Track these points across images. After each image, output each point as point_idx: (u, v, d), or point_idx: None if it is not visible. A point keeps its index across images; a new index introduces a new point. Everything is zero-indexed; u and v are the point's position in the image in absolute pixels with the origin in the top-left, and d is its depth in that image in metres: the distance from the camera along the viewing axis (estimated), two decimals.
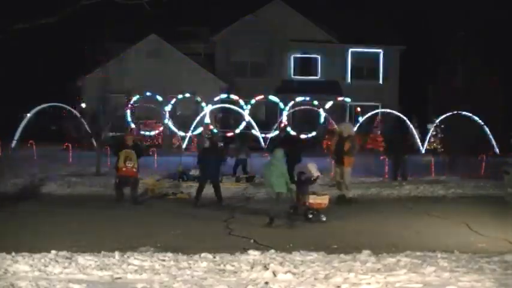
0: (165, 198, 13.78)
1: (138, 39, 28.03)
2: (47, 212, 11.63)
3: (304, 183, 11.17)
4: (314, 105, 27.30)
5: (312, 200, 10.92)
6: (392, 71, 32.31)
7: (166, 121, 26.24)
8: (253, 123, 26.82)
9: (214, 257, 7.50)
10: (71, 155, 20.65)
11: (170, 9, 25.97)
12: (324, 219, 10.80)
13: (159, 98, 26.57)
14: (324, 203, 10.95)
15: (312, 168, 11.27)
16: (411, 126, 26.44)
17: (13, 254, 7.30)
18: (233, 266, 6.97)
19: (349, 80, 31.90)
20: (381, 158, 18.26)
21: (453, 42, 20.92)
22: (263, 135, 26.55)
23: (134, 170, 12.78)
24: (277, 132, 26.92)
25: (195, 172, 16.29)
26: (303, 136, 25.58)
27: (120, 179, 12.81)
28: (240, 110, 27.31)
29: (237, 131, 25.93)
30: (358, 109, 28.59)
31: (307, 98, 27.78)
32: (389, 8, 34.52)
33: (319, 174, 11.48)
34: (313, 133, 27.05)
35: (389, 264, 7.02)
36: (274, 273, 6.51)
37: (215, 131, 22.54)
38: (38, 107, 24.93)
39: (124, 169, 12.71)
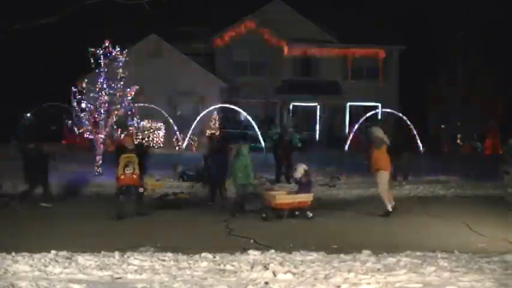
0: (165, 198, 13.76)
1: (138, 39, 28.02)
2: (47, 212, 11.63)
3: (303, 185, 11.38)
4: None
5: (267, 196, 11.25)
6: (392, 71, 32.30)
7: (166, 121, 26.21)
8: (253, 123, 26.81)
9: (214, 257, 7.50)
10: (71, 155, 20.65)
11: (170, 9, 25.98)
12: (263, 216, 10.97)
13: (159, 98, 26.57)
14: (273, 202, 10.99)
15: (300, 169, 11.65)
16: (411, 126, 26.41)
17: (13, 254, 7.31)
18: (233, 266, 6.97)
19: (349, 80, 31.89)
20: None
21: (453, 42, 20.92)
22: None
23: (134, 176, 10.94)
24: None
25: (195, 172, 16.33)
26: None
27: (120, 190, 10.98)
28: (240, 110, 27.29)
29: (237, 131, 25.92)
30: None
31: (307, 98, 27.79)
32: (389, 8, 34.53)
33: (299, 175, 11.63)
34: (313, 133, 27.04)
35: (389, 264, 7.02)
36: (274, 273, 6.51)
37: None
38: (38, 107, 24.97)
39: (122, 177, 10.87)
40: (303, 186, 11.41)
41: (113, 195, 12.82)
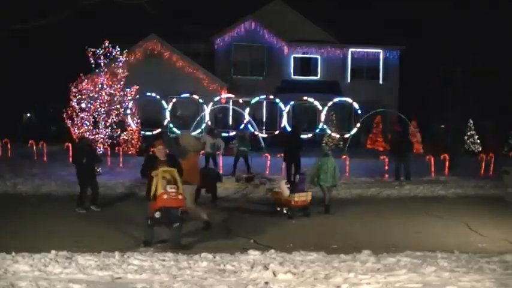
0: None
1: (138, 39, 28.03)
2: (47, 212, 11.62)
3: (294, 185, 11.75)
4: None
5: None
6: (392, 71, 32.31)
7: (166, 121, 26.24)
8: (253, 123, 26.83)
9: (214, 257, 7.50)
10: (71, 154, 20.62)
11: (170, 9, 26.00)
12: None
13: (159, 98, 26.62)
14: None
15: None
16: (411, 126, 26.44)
17: (13, 254, 7.30)
18: (233, 266, 6.97)
19: (349, 80, 31.89)
20: (381, 158, 18.26)
21: (453, 42, 20.91)
22: (263, 135, 26.56)
23: (180, 197, 8.62)
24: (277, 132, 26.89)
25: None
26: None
27: (160, 211, 8.50)
28: (240, 110, 27.31)
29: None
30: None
31: (307, 98, 27.79)
32: (389, 8, 34.51)
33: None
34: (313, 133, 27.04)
35: (389, 264, 7.02)
36: (274, 273, 6.51)
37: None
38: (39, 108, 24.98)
39: (165, 196, 8.45)
40: (294, 185, 11.69)
41: (109, 197, 12.80)
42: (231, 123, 28.89)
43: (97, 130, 17.05)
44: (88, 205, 11.94)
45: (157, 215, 8.52)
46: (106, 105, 17.17)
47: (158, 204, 8.53)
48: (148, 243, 8.69)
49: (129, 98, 18.23)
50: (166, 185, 8.53)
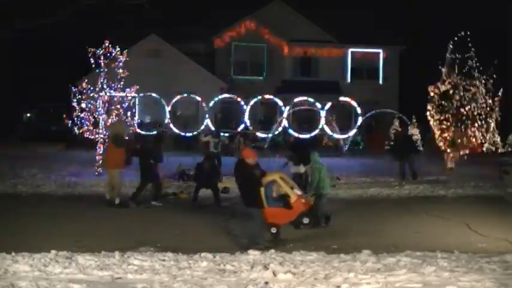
0: (165, 198, 13.76)
1: (138, 39, 28.03)
2: (47, 212, 11.62)
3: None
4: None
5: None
6: (392, 71, 32.31)
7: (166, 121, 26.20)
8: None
9: (214, 257, 7.51)
10: (71, 154, 20.63)
11: (170, 9, 25.98)
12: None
13: (159, 98, 26.59)
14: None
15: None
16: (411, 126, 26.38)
17: (13, 254, 7.30)
18: (233, 266, 6.98)
19: (349, 80, 31.89)
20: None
21: (453, 42, 20.85)
22: (263, 135, 26.53)
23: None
24: (276, 132, 26.83)
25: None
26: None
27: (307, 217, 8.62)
28: (240, 110, 27.27)
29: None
30: None
31: (307, 98, 27.74)
32: (389, 8, 34.54)
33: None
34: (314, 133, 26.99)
35: (389, 264, 7.02)
36: (274, 273, 6.51)
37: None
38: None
39: (304, 201, 8.64)
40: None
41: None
42: (230, 123, 28.85)
43: (96, 130, 17.03)
44: (135, 203, 12.35)
45: (305, 221, 9.06)
46: (106, 105, 17.16)
47: (303, 208, 8.82)
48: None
49: (129, 98, 18.21)
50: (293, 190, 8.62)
